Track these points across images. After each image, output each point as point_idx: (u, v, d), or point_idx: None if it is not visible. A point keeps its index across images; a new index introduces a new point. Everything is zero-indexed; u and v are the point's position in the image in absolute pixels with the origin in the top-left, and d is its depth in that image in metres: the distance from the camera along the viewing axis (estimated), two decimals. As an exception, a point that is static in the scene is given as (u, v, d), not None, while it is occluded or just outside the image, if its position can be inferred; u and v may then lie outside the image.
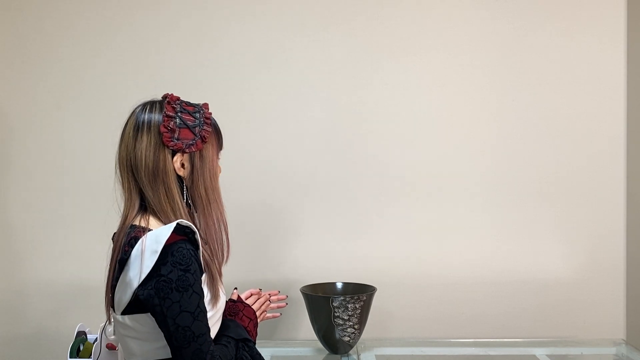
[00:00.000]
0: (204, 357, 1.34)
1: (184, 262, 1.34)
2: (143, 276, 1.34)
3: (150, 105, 1.48)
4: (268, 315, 1.83)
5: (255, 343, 1.61)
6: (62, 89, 2.39)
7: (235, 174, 2.35)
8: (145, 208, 1.46)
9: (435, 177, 2.38)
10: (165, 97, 1.50)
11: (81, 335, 2.04)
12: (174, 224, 1.36)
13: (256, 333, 1.65)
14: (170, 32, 2.37)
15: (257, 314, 1.73)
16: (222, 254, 1.51)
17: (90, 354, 1.95)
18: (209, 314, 1.42)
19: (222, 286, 1.53)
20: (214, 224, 1.48)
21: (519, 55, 2.36)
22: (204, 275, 1.43)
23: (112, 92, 2.36)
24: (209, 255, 1.46)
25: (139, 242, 1.36)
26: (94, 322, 2.12)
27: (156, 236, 1.35)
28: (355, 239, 2.39)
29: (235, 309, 1.64)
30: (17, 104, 2.40)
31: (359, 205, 2.39)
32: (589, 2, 2.35)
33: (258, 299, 1.78)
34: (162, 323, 1.36)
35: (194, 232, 1.40)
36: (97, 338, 1.98)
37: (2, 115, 2.41)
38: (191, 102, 1.52)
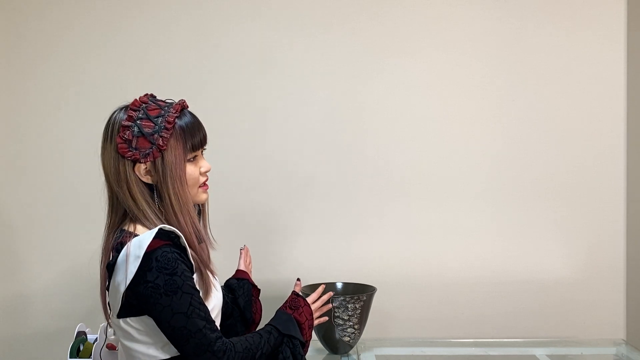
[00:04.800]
0: (205, 348, 1.37)
1: (169, 266, 1.35)
2: (128, 281, 1.36)
3: (118, 111, 1.47)
4: (320, 319, 1.76)
5: (305, 346, 1.58)
6: (62, 89, 2.39)
7: (235, 174, 2.36)
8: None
9: (435, 177, 2.38)
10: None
11: (81, 335, 2.03)
12: (155, 230, 1.37)
13: (310, 336, 1.61)
14: (170, 33, 2.37)
15: (314, 315, 1.67)
16: (201, 256, 1.48)
17: (90, 354, 1.94)
18: None
19: (215, 283, 1.53)
20: (184, 230, 1.45)
21: (519, 55, 2.36)
22: (194, 275, 1.44)
23: (112, 92, 2.35)
24: (196, 255, 1.46)
25: (125, 247, 1.38)
26: (94, 322, 2.12)
27: (139, 242, 1.37)
28: (355, 239, 2.39)
29: (297, 304, 1.62)
30: (17, 104, 2.40)
31: (359, 205, 2.39)
32: (589, 2, 2.35)
33: (317, 299, 1.72)
34: (159, 325, 1.39)
35: (178, 237, 1.41)
36: (97, 338, 1.98)
37: (1, 115, 2.41)
38: (162, 102, 1.48)
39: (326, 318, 1.79)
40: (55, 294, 2.41)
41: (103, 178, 1.48)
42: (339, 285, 2.23)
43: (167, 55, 2.37)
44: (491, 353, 2.18)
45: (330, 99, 2.38)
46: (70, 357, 1.96)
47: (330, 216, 2.39)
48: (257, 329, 1.58)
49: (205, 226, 1.63)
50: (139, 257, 1.35)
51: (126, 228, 1.45)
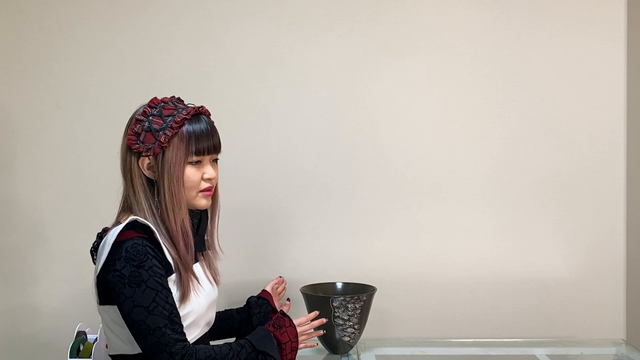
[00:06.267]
0: (162, 348, 1.36)
1: (137, 259, 1.37)
2: (99, 267, 1.41)
3: (140, 106, 1.54)
4: (306, 343, 1.69)
5: None
6: (62, 89, 2.39)
7: (236, 174, 2.35)
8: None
9: (435, 177, 2.38)
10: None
11: (81, 335, 2.03)
12: (127, 220, 1.42)
13: (292, 358, 1.57)
14: (170, 33, 2.37)
15: (300, 339, 1.61)
16: (184, 257, 1.48)
17: (90, 354, 1.94)
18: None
19: (199, 290, 1.51)
20: (172, 229, 1.46)
21: (519, 55, 2.36)
22: (173, 275, 1.45)
23: (113, 92, 2.35)
24: (176, 256, 1.46)
25: (106, 235, 1.44)
26: (94, 322, 2.11)
27: (114, 230, 1.42)
28: (355, 239, 2.39)
29: (281, 323, 1.58)
30: (17, 104, 2.40)
31: (359, 205, 2.39)
32: (589, 2, 2.35)
33: (307, 324, 1.67)
34: (122, 316, 1.41)
35: (152, 231, 1.43)
36: (97, 338, 1.98)
37: (2, 115, 2.41)
38: (181, 105, 1.53)
39: (314, 343, 1.74)
40: (55, 293, 2.41)
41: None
42: (339, 285, 2.23)
43: (167, 55, 2.37)
44: (491, 353, 2.18)
45: (330, 99, 2.38)
46: (70, 357, 1.96)
47: (330, 216, 2.39)
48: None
49: (212, 234, 1.63)
50: (110, 244, 1.40)
51: (120, 217, 1.50)
